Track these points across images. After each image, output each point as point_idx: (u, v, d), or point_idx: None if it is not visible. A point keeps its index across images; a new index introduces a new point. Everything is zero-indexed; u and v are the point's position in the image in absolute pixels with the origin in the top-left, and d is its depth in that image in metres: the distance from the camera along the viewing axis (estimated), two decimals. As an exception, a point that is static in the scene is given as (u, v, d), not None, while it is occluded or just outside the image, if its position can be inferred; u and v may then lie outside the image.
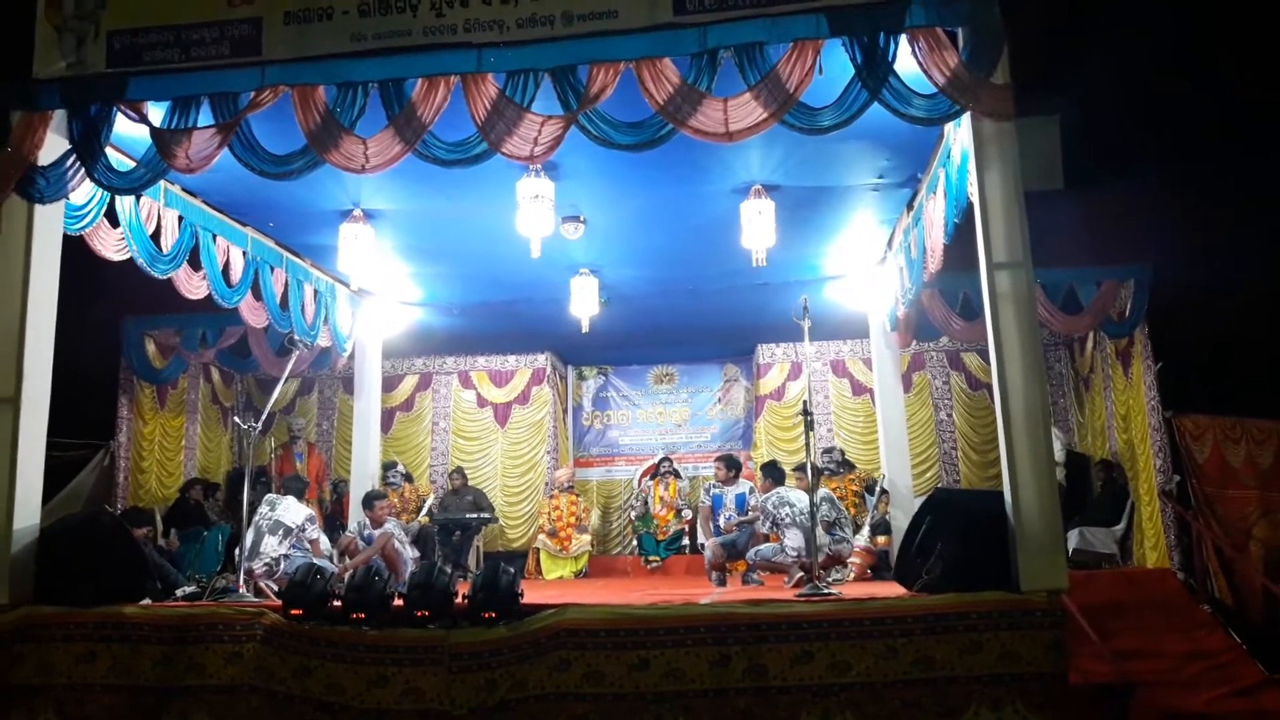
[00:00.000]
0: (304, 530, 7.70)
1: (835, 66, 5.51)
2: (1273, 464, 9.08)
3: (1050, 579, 5.13)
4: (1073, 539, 9.31)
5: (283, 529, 7.59)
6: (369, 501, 8.49)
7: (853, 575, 8.53)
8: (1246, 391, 9.30)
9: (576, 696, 5.11)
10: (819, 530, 7.62)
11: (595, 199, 7.83)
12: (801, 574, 7.56)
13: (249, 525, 7.39)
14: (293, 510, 7.77)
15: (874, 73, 5.44)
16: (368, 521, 8.38)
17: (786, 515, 7.89)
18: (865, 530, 9.38)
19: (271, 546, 7.48)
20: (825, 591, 6.14)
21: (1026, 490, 5.31)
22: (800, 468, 8.52)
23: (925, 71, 5.42)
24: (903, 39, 5.47)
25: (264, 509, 7.84)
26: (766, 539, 8.14)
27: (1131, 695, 6.20)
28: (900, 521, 8.97)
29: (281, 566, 7.40)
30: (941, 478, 11.91)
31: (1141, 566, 9.31)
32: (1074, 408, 11.55)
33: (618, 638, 5.17)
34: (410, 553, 8.52)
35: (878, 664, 5.01)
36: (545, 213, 7.07)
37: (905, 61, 5.46)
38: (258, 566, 7.41)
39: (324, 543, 8.15)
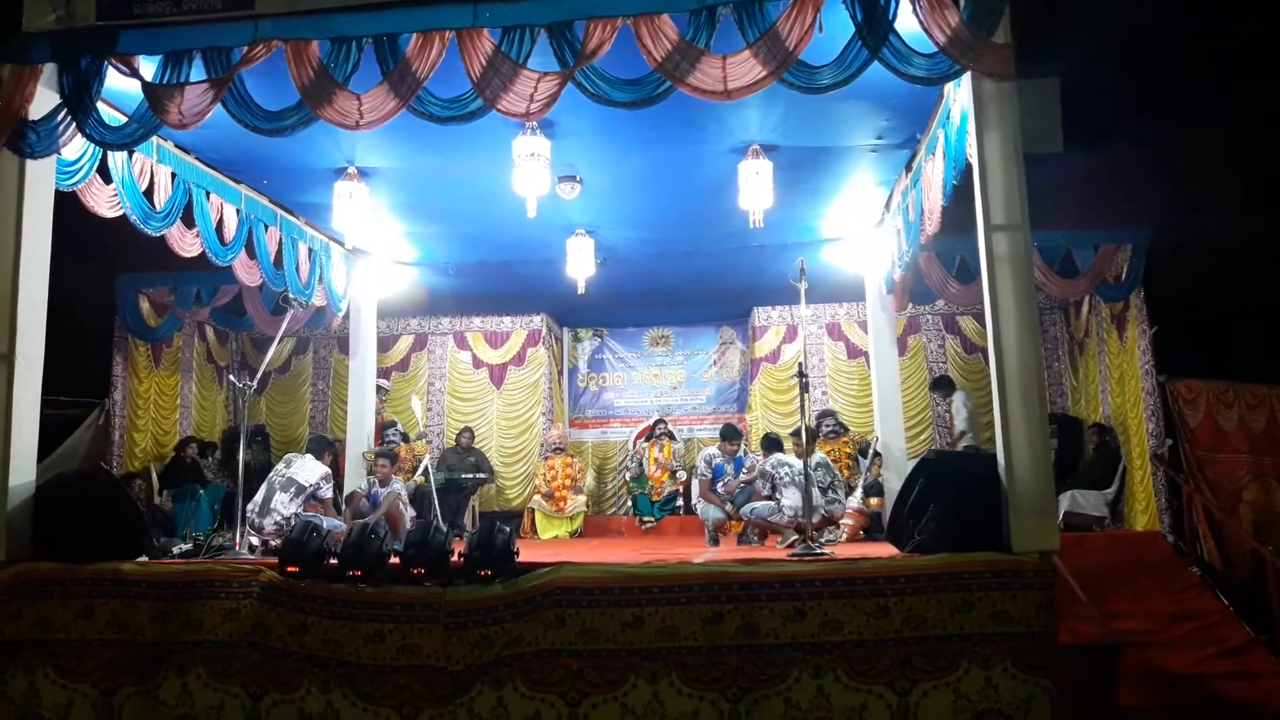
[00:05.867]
0: (318, 489, 7.66)
1: (835, 24, 5.44)
2: (1264, 429, 9.15)
3: (1042, 540, 5.17)
4: (1064, 502, 9.37)
5: (295, 486, 7.57)
6: (387, 454, 8.53)
7: (845, 536, 8.60)
8: (1240, 356, 9.33)
9: (571, 653, 5.16)
10: (814, 491, 7.67)
11: (592, 158, 7.78)
12: (796, 535, 7.62)
13: (244, 483, 7.38)
14: (308, 468, 7.75)
15: (874, 31, 5.37)
16: (375, 480, 8.42)
17: (785, 474, 7.97)
18: (858, 492, 9.43)
19: (282, 504, 7.46)
20: (818, 551, 6.19)
21: (1019, 452, 5.32)
22: (796, 432, 8.55)
23: (926, 30, 5.35)
24: (904, -4, 5.41)
25: (280, 466, 7.85)
26: (765, 499, 8.19)
27: (1120, 655, 6.28)
28: (893, 484, 9.02)
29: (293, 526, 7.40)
30: (935, 440, 11.96)
31: (1132, 529, 9.40)
32: (1068, 371, 11.59)
33: (612, 595, 5.21)
34: (410, 512, 8.55)
35: (869, 623, 5.05)
36: (541, 172, 7.02)
37: (906, 20, 5.39)
38: (268, 525, 7.38)
39: (338, 502, 8.14)
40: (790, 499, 7.83)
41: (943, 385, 11.22)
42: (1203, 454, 8.98)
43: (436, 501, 8.94)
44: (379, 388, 11.48)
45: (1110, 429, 10.08)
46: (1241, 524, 8.65)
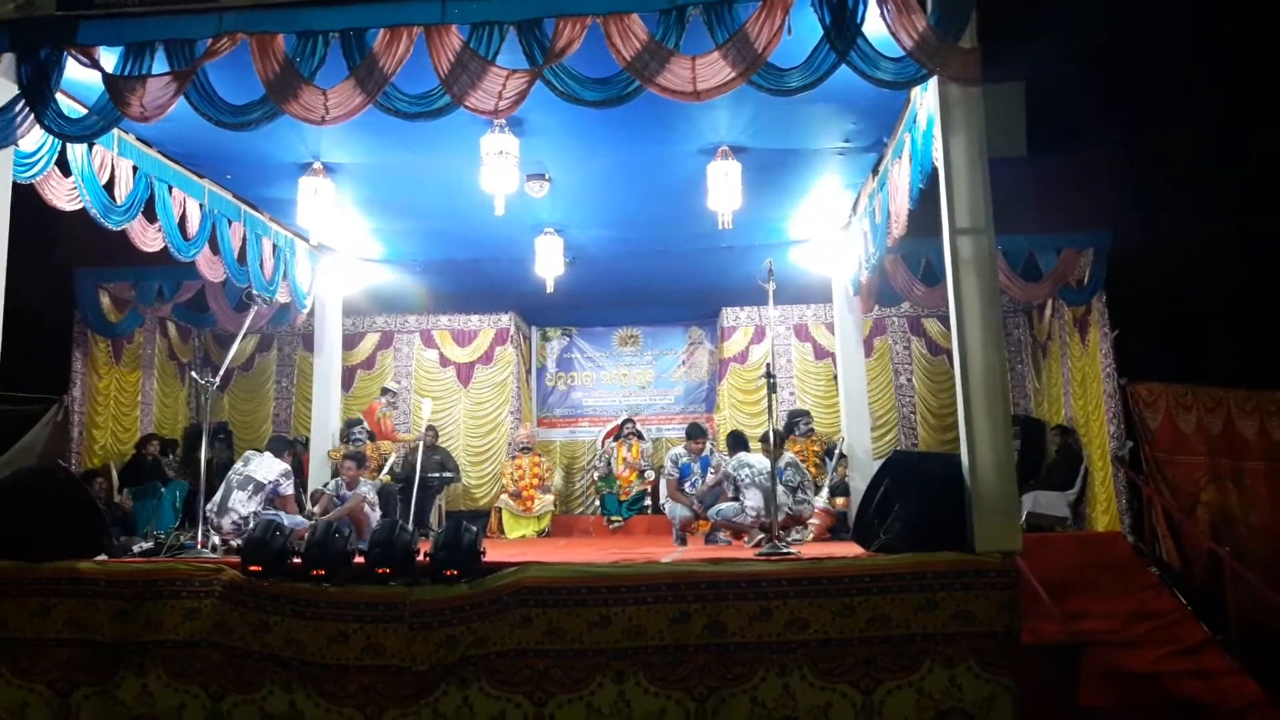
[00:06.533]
0: (278, 485, 7.55)
1: (804, 27, 5.47)
2: (1222, 431, 9.30)
3: (1005, 541, 5.23)
4: (1026, 503, 9.48)
5: (253, 484, 7.46)
6: (354, 457, 8.47)
7: (812, 536, 8.64)
8: (1199, 360, 9.48)
9: (537, 652, 5.15)
10: (781, 491, 7.70)
11: (561, 157, 7.76)
12: (762, 535, 7.64)
13: (206, 481, 7.28)
14: (266, 466, 7.64)
15: (842, 34, 5.41)
16: (343, 481, 8.34)
17: (746, 476, 7.97)
18: (824, 492, 9.48)
19: (240, 502, 7.34)
20: (784, 551, 6.22)
21: (983, 453, 5.38)
22: (765, 437, 8.59)
23: (893, 34, 5.39)
24: (871, 1, 5.44)
25: (238, 464, 7.74)
26: (730, 500, 8.20)
27: (1081, 654, 6.36)
28: (858, 484, 9.08)
29: (251, 525, 7.30)
30: (900, 441, 12.06)
31: (1093, 530, 9.52)
32: (1031, 374, 11.73)
33: (579, 595, 5.21)
34: (376, 514, 8.49)
35: (834, 622, 5.09)
36: (510, 170, 6.99)
37: (874, 24, 5.43)
38: (226, 524, 7.27)
39: (302, 500, 8.04)
40: (753, 500, 7.86)
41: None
42: (1162, 456, 9.12)
43: (414, 498, 8.83)
44: (386, 389, 11.38)
45: (1072, 431, 10.21)
46: (1199, 525, 8.79)
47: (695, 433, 9.28)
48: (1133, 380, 9.24)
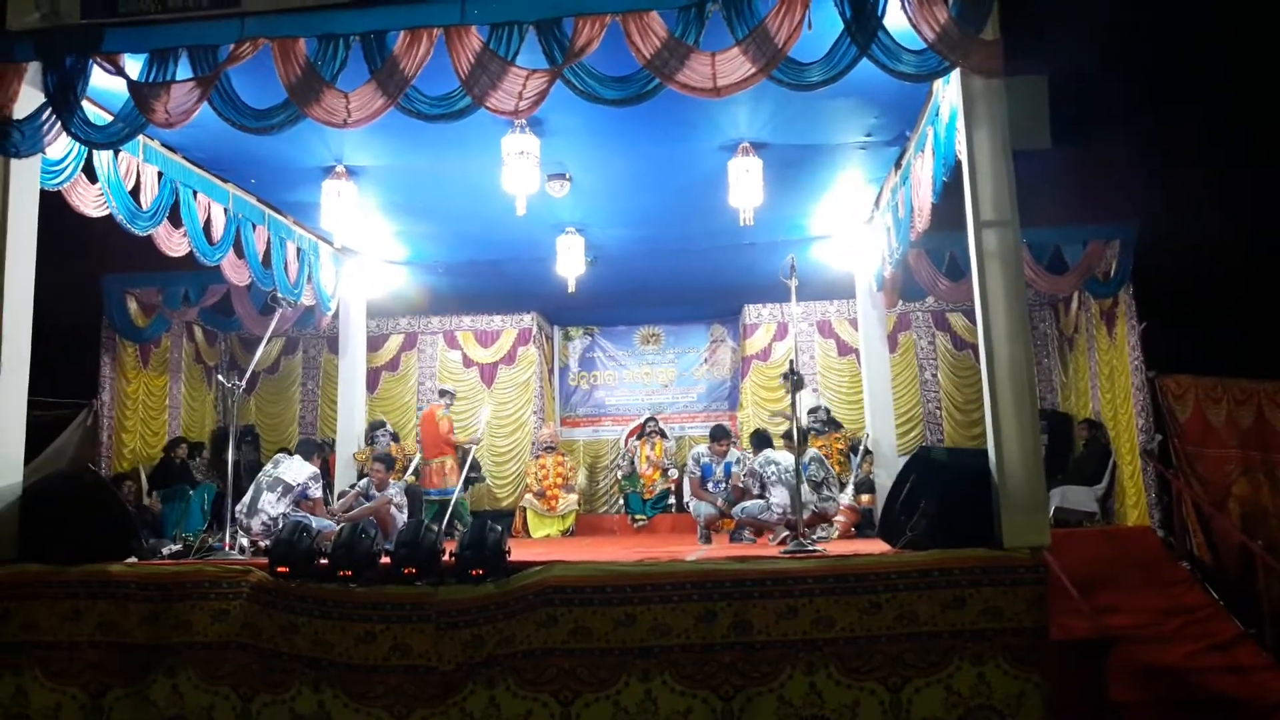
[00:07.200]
0: (306, 488, 7.62)
1: (824, 21, 5.45)
2: (1253, 424, 9.17)
3: (1033, 536, 5.18)
4: (1054, 498, 9.40)
5: (282, 486, 7.53)
6: (383, 459, 8.52)
7: (837, 533, 8.60)
8: (1228, 352, 9.36)
9: (563, 652, 5.15)
10: (806, 489, 7.67)
11: (581, 156, 7.77)
12: (787, 532, 7.62)
13: (234, 483, 7.35)
14: (295, 468, 7.71)
15: (863, 27, 5.38)
16: (371, 484, 8.40)
17: (772, 473, 7.95)
18: (849, 489, 9.43)
19: (269, 503, 7.41)
20: (810, 548, 6.19)
21: (1010, 448, 5.34)
22: (788, 434, 8.55)
23: (915, 26, 5.36)
24: (892, -7, 5.41)
25: (268, 466, 7.82)
26: (756, 498, 8.18)
27: (1110, 650, 6.30)
28: (884, 481, 9.03)
29: (280, 526, 7.36)
30: (925, 437, 11.99)
31: (1122, 525, 9.42)
32: (1058, 367, 11.62)
33: (604, 594, 5.20)
34: (403, 516, 8.54)
35: (861, 619, 5.05)
36: (530, 170, 7.01)
37: (895, 16, 5.40)
38: (256, 525, 7.34)
39: (333, 503, 8.10)
40: (779, 497, 7.83)
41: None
42: (1192, 449, 9.01)
43: (451, 509, 8.79)
44: (445, 391, 11.44)
45: (1100, 425, 10.11)
46: (1230, 518, 8.68)
47: (719, 434, 9.24)
48: (1161, 373, 9.13)
